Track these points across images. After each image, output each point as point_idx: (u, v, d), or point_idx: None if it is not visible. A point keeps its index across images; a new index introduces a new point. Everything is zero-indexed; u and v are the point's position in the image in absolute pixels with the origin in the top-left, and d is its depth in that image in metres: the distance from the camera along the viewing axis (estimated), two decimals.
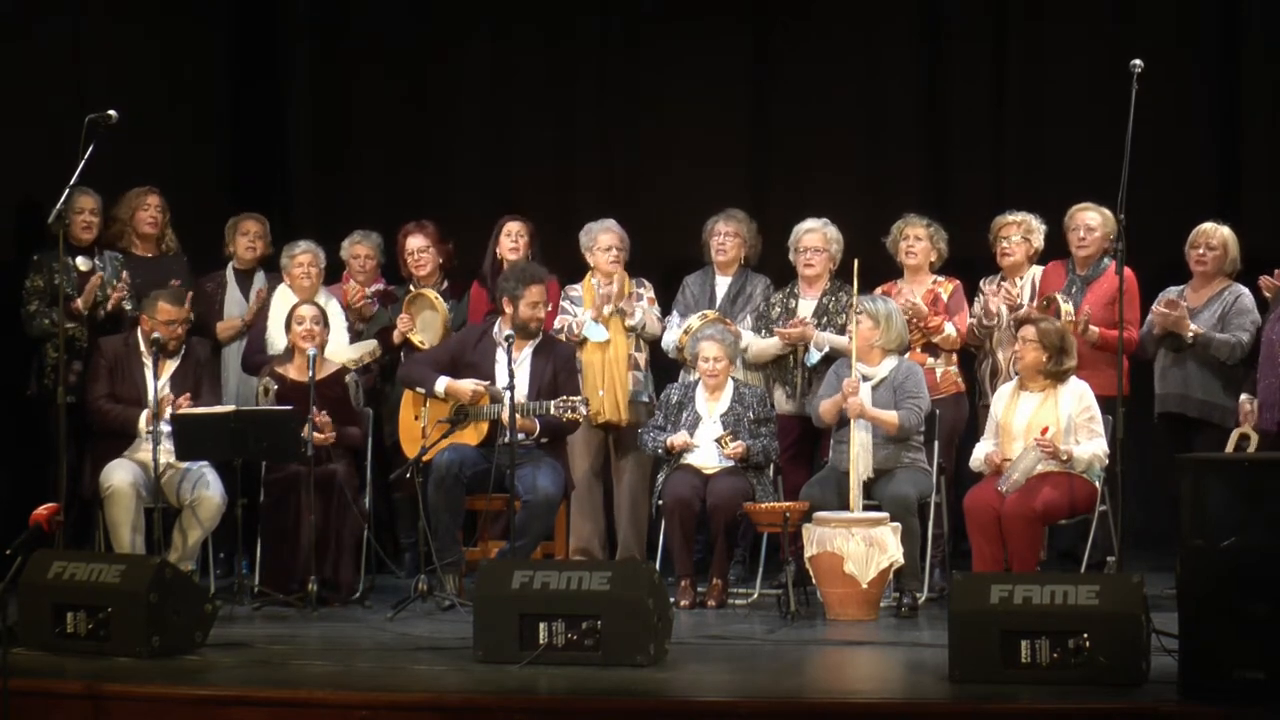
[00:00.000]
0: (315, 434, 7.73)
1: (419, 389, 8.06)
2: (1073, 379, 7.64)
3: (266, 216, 9.02)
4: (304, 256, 8.57)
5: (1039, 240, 8.28)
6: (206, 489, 7.81)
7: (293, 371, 8.02)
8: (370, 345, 8.55)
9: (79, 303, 8.14)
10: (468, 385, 7.93)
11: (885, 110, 9.60)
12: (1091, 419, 7.56)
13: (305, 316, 8.07)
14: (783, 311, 8.38)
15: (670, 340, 8.48)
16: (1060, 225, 8.25)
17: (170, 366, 7.97)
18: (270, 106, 10.10)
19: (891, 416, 7.74)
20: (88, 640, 6.48)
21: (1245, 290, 7.88)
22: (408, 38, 10.00)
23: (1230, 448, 7.48)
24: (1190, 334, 7.78)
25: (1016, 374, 7.78)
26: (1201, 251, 7.97)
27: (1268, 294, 7.71)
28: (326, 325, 8.13)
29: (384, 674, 6.21)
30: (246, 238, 8.81)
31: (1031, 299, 8.18)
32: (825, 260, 8.38)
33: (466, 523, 8.06)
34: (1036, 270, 8.29)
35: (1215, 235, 7.96)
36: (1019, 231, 8.24)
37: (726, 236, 8.55)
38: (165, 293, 8.05)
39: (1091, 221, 8.14)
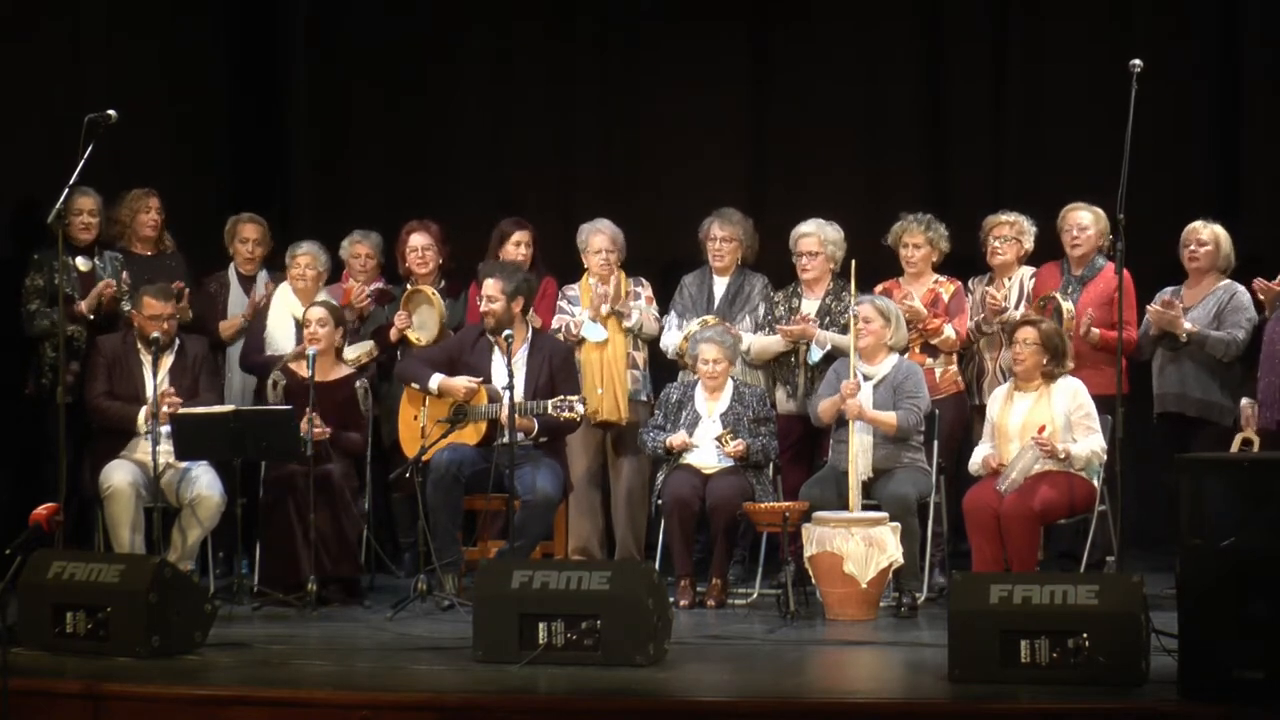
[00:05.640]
0: (313, 428, 7.73)
1: (414, 385, 8.06)
2: (1065, 376, 7.64)
3: (266, 216, 9.02)
4: (303, 258, 8.58)
5: (1029, 241, 8.29)
6: (206, 489, 7.81)
7: (303, 369, 8.01)
8: (367, 346, 8.55)
9: (83, 305, 8.15)
10: (461, 382, 7.93)
11: (885, 110, 9.59)
12: (1086, 415, 7.56)
13: (311, 319, 8.07)
14: (785, 311, 8.37)
15: (670, 344, 8.48)
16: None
17: (166, 363, 7.97)
18: (270, 106, 10.09)
19: (890, 418, 7.74)
20: (87, 640, 6.48)
21: (1241, 287, 7.89)
22: (407, 38, 10.00)
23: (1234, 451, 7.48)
24: (1184, 333, 7.78)
25: (1012, 375, 7.78)
26: (1193, 249, 7.99)
27: (1262, 296, 7.71)
28: (337, 326, 8.14)
29: (384, 674, 6.22)
30: (246, 245, 8.80)
31: (1020, 300, 8.18)
32: (821, 263, 8.37)
33: (466, 523, 8.07)
34: (1025, 271, 8.30)
35: (1204, 232, 7.98)
36: (1011, 232, 8.25)
37: (722, 242, 8.52)
38: (151, 288, 8.06)
39: (1084, 221, 8.15)
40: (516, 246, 8.64)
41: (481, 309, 8.02)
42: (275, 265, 8.84)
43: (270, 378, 8.11)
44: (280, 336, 8.47)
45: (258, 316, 8.59)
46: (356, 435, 8.12)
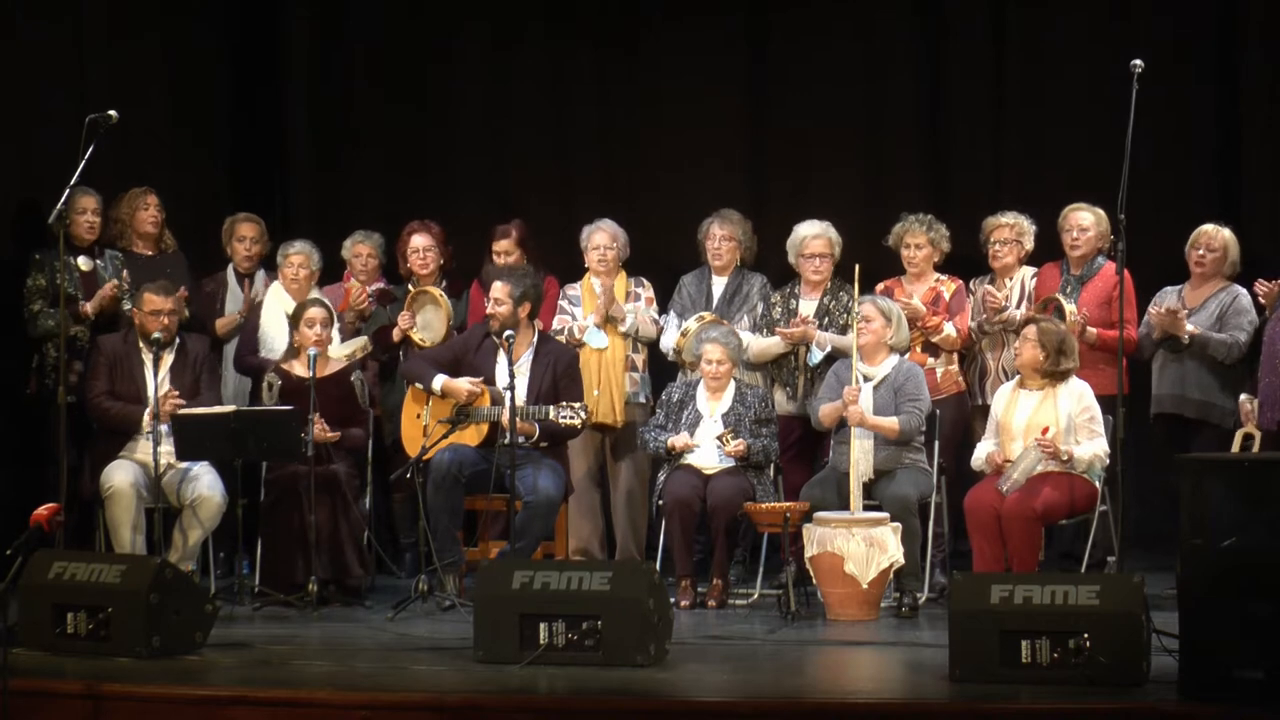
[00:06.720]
0: (320, 431, 7.73)
1: (418, 384, 8.07)
2: (1072, 379, 7.63)
3: (267, 216, 9.03)
4: (296, 257, 8.59)
5: (1030, 242, 8.29)
6: (207, 489, 7.81)
7: (297, 368, 8.01)
8: (360, 341, 8.54)
9: (88, 307, 8.15)
10: (463, 384, 7.93)
11: (885, 110, 9.59)
12: (1091, 419, 7.56)
13: (316, 319, 8.07)
14: (784, 312, 8.37)
15: (668, 343, 8.47)
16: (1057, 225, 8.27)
17: (167, 362, 7.98)
18: (270, 106, 10.10)
19: (892, 423, 7.73)
20: (88, 640, 6.48)
21: (1243, 290, 7.88)
22: (407, 38, 10.00)
23: (1235, 448, 7.48)
24: (1187, 335, 7.78)
25: (1017, 373, 7.78)
26: (1202, 253, 7.97)
27: (1263, 300, 7.71)
28: (331, 324, 8.15)
29: (384, 674, 6.22)
30: (243, 244, 8.81)
31: (1021, 300, 8.18)
32: (829, 265, 8.37)
33: (467, 523, 8.07)
34: (1026, 271, 8.30)
35: (1217, 237, 7.96)
36: (1011, 234, 8.24)
37: (722, 240, 8.52)
38: (152, 285, 8.06)
39: (1084, 221, 8.15)
40: (499, 256, 8.62)
41: (488, 310, 8.02)
42: (273, 264, 8.84)
43: (265, 379, 8.11)
44: (275, 336, 8.46)
45: (250, 316, 8.59)
46: (358, 430, 8.13)
